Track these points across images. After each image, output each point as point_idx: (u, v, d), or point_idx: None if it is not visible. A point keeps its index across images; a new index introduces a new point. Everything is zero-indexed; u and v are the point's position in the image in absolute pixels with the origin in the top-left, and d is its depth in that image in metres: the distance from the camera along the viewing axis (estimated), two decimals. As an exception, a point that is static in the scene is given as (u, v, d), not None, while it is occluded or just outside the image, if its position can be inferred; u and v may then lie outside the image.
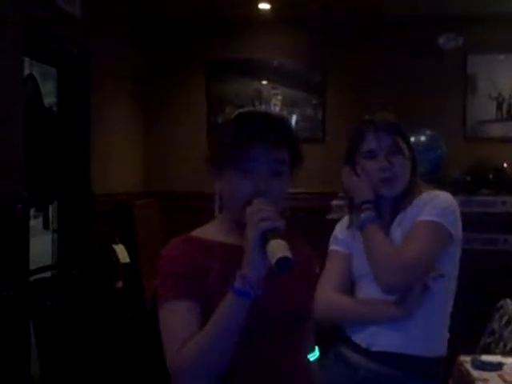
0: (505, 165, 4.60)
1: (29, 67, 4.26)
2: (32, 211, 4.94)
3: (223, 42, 5.56)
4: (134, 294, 4.47)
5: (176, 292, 1.38)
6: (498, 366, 2.42)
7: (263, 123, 1.44)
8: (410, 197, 1.94)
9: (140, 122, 5.58)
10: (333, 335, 2.01)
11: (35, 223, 5.67)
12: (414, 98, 5.27)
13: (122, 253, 4.51)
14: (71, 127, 4.35)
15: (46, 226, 5.68)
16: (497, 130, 5.43)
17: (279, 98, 5.60)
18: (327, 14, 5.21)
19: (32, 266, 3.57)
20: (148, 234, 4.84)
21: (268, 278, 1.30)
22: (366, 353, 1.91)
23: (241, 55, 5.59)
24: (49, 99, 4.58)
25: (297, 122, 5.57)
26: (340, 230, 2.08)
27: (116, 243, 4.52)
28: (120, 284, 4.41)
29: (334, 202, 3.86)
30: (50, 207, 4.77)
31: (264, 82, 5.62)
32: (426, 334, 1.89)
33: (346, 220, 2.07)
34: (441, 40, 5.26)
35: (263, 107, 5.43)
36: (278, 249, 1.24)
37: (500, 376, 2.35)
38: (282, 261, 1.23)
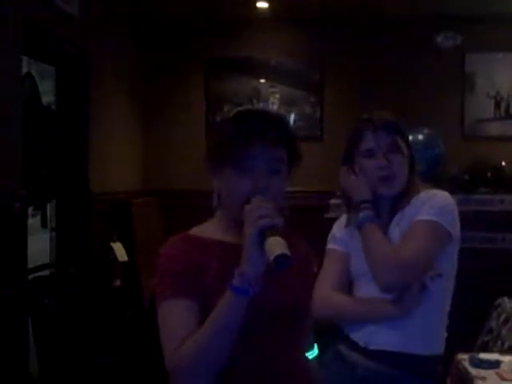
0: (503, 163, 4.61)
1: (27, 66, 4.25)
2: (30, 210, 4.94)
3: (222, 41, 5.56)
4: (132, 292, 4.47)
5: (174, 290, 1.38)
6: (495, 364, 2.43)
7: (262, 122, 1.44)
8: (408, 196, 1.95)
9: (139, 120, 5.57)
10: (331, 333, 2.01)
11: (33, 222, 5.66)
12: (412, 96, 5.27)
13: (120, 251, 4.51)
14: (70, 126, 4.35)
15: (44, 224, 5.67)
16: (495, 129, 5.43)
17: (277, 96, 5.60)
18: (325, 12, 5.22)
19: (30, 265, 3.57)
20: (146, 233, 4.84)
21: (266, 275, 1.30)
22: (364, 351, 1.92)
23: (239, 54, 5.59)
24: (46, 98, 4.57)
25: (295, 120, 5.57)
26: (338, 229, 2.08)
27: (114, 241, 4.52)
28: (118, 282, 4.41)
29: (332, 201, 3.86)
30: (48, 206, 4.76)
31: (262, 81, 5.62)
32: (423, 332, 1.90)
33: (343, 219, 2.08)
34: (439, 39, 5.26)
35: (261, 106, 5.43)
36: (277, 246, 1.25)
37: (498, 374, 2.36)
38: (281, 258, 1.23)
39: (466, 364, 2.46)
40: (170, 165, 5.62)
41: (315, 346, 1.63)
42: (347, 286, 2.02)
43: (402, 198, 1.95)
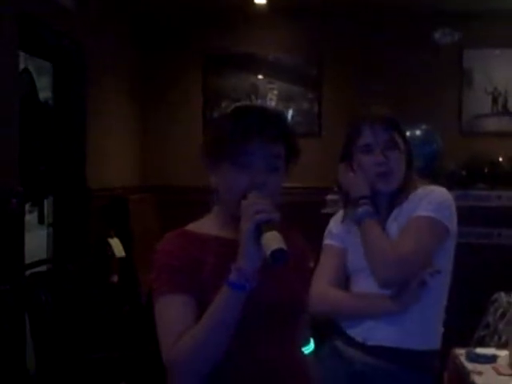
0: (500, 159, 4.61)
1: (24, 61, 4.24)
2: (27, 206, 4.93)
3: (220, 37, 5.55)
4: (129, 288, 4.47)
5: (171, 286, 1.39)
6: (492, 359, 2.45)
7: (260, 118, 1.44)
8: (405, 192, 1.95)
9: (136, 116, 5.56)
10: (328, 329, 2.02)
11: (30, 218, 5.64)
12: (410, 92, 5.27)
13: (117, 247, 4.50)
14: (67, 122, 4.34)
15: (41, 220, 5.66)
16: (492, 125, 5.43)
17: (275, 92, 5.60)
18: (323, 8, 5.21)
19: (27, 261, 3.57)
20: (143, 229, 4.84)
21: (263, 270, 1.31)
22: (361, 347, 1.92)
23: (238, 50, 5.58)
24: (44, 93, 4.57)
25: (293, 116, 5.56)
26: (334, 225, 2.08)
27: (111, 237, 4.52)
28: (115, 278, 4.41)
29: (329, 197, 3.87)
30: (46, 202, 4.76)
31: (260, 77, 5.61)
32: (422, 328, 1.90)
33: (340, 214, 2.08)
34: (437, 35, 5.26)
35: (259, 102, 5.43)
36: (273, 240, 1.25)
37: (494, 368, 2.38)
38: (277, 252, 1.24)
39: (463, 359, 2.48)
40: (168, 161, 5.62)
41: (311, 340, 1.63)
42: (344, 281, 2.02)
43: (399, 194, 1.96)
